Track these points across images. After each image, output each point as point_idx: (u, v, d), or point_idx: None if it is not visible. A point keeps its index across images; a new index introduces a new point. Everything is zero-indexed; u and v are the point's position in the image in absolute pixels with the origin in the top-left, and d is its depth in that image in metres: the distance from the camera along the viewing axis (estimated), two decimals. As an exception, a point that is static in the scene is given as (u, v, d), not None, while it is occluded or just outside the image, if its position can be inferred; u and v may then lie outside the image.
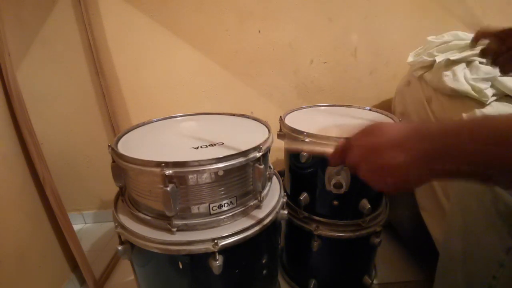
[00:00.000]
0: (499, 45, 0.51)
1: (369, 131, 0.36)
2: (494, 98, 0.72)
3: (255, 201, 0.59)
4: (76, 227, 1.23)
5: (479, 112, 0.71)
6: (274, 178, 0.71)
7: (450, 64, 0.76)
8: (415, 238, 0.99)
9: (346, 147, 0.38)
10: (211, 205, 0.54)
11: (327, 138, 0.66)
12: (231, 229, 0.53)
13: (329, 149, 0.42)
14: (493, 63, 0.53)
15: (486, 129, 0.28)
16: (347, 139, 0.39)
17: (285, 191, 0.67)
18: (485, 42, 0.53)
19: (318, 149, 0.46)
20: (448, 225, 0.57)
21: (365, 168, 0.35)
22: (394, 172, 0.33)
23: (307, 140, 0.66)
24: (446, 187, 0.75)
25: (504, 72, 0.54)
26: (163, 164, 0.48)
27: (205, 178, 0.52)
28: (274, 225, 0.62)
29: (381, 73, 1.13)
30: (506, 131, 0.27)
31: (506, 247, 0.44)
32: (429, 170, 0.31)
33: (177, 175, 0.50)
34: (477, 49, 0.75)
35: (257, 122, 0.73)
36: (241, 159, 0.52)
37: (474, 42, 0.55)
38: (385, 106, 1.13)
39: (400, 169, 0.32)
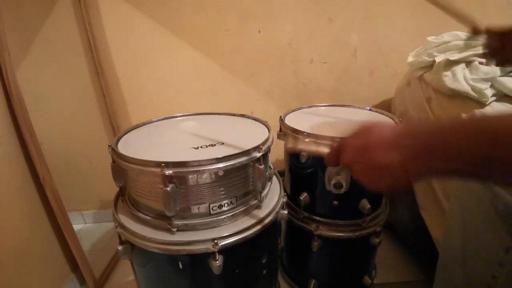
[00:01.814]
0: (496, 42, 0.53)
1: (361, 131, 0.37)
2: (494, 98, 0.72)
3: (255, 201, 0.59)
4: (76, 227, 1.23)
5: (479, 112, 0.71)
6: (274, 178, 0.71)
7: (449, 64, 0.76)
8: (415, 238, 0.99)
9: (340, 147, 0.38)
10: (211, 205, 0.54)
11: (327, 138, 0.66)
12: (231, 229, 0.53)
13: (325, 150, 0.42)
14: (490, 55, 0.56)
15: (481, 129, 0.28)
16: (341, 139, 0.39)
17: (285, 191, 0.67)
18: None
19: (315, 149, 0.45)
20: (448, 225, 0.57)
21: (358, 168, 0.36)
22: (387, 172, 0.33)
23: (306, 140, 0.66)
24: (446, 187, 0.75)
25: (501, 64, 0.58)
26: (163, 164, 0.48)
27: (205, 178, 0.52)
28: (274, 225, 0.62)
29: (381, 73, 1.13)
30: (501, 131, 0.26)
31: (505, 247, 0.44)
32: (424, 168, 0.31)
33: (177, 175, 0.50)
34: (477, 49, 0.75)
35: (257, 122, 0.73)
36: (241, 159, 0.52)
37: (473, 34, 0.57)
38: (385, 106, 1.13)
39: (393, 168, 0.32)
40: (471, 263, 0.50)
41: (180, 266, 0.54)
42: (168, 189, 0.49)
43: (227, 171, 0.53)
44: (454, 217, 0.54)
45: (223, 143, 0.59)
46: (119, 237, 0.57)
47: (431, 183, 0.79)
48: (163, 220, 0.54)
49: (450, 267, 0.55)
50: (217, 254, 0.51)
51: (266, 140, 0.59)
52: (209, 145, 0.58)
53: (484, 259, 0.47)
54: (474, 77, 0.72)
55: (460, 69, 0.74)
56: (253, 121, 0.74)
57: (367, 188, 0.36)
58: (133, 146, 0.60)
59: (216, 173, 0.52)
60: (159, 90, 1.11)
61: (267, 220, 0.58)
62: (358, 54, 1.11)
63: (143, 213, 0.57)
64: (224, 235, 0.52)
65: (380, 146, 0.33)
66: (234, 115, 0.79)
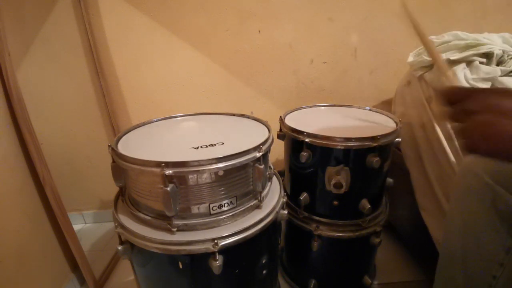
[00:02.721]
0: None
1: (496, 91, 0.35)
2: (494, 98, 0.72)
3: (255, 201, 0.59)
4: (76, 227, 1.23)
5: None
6: (274, 178, 0.71)
7: (450, 64, 0.76)
8: (415, 238, 0.99)
9: (470, 93, 0.34)
10: (211, 205, 0.54)
11: (327, 138, 0.66)
12: (231, 229, 0.53)
13: (449, 74, 0.40)
14: None
15: None
16: (472, 88, 0.37)
17: (285, 191, 0.67)
18: None
19: (440, 62, 0.43)
20: (448, 225, 0.57)
21: (483, 120, 0.32)
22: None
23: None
24: (446, 187, 0.75)
25: None
26: (163, 164, 0.48)
27: (205, 178, 0.52)
28: (274, 225, 0.62)
29: (381, 73, 1.13)
30: None
31: (506, 247, 0.44)
32: None
33: (177, 175, 0.50)
34: (478, 49, 0.75)
35: (257, 122, 0.73)
36: (241, 159, 0.52)
37: None
38: (385, 106, 1.13)
39: None
40: (471, 263, 0.50)
41: (180, 266, 0.54)
42: (168, 189, 0.49)
43: (227, 171, 0.53)
44: (454, 217, 0.54)
45: (223, 143, 0.59)
46: (119, 237, 0.57)
47: (431, 183, 0.79)
48: (163, 220, 0.54)
49: (450, 267, 0.55)
50: (217, 254, 0.50)
51: (266, 140, 0.59)
52: (209, 145, 0.58)
53: (485, 259, 0.47)
54: (474, 76, 0.72)
55: (460, 68, 0.74)
56: (253, 121, 0.74)
57: (473, 149, 0.33)
58: (133, 146, 0.60)
59: (216, 173, 0.52)
60: (159, 90, 1.11)
61: (267, 220, 0.58)
62: (358, 54, 1.10)
63: (143, 213, 0.57)
64: (224, 235, 0.52)
65: None
66: (234, 115, 0.79)
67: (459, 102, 0.34)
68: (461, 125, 0.34)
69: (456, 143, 0.37)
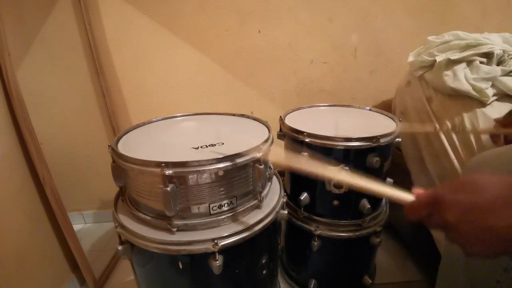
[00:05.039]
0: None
1: (464, 186, 0.32)
2: (495, 97, 0.72)
3: (255, 201, 0.59)
4: (76, 227, 1.23)
5: (479, 111, 0.71)
6: (274, 178, 0.71)
7: (450, 63, 0.76)
8: (415, 238, 0.99)
9: (434, 201, 0.33)
10: (211, 205, 0.54)
11: (327, 138, 0.66)
12: (231, 229, 0.53)
13: (408, 197, 0.36)
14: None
15: None
16: (434, 191, 0.33)
17: (285, 191, 0.67)
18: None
19: (394, 194, 0.39)
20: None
21: (465, 230, 0.30)
22: (504, 235, 0.29)
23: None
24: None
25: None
26: (163, 164, 0.48)
27: (205, 178, 0.52)
28: (274, 225, 0.62)
29: (381, 73, 1.13)
30: None
31: None
32: None
33: (177, 175, 0.50)
34: (478, 49, 0.75)
35: (257, 122, 0.73)
36: (241, 159, 0.52)
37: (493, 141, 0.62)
38: (385, 106, 1.13)
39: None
40: (474, 267, 0.49)
41: (180, 266, 0.54)
42: (168, 189, 0.49)
43: (227, 171, 0.53)
44: None
45: (223, 143, 0.59)
46: (119, 237, 0.57)
47: (433, 183, 0.79)
48: (163, 220, 0.54)
49: (452, 270, 0.55)
50: (217, 254, 0.50)
51: (266, 140, 0.59)
52: (209, 145, 0.58)
53: (488, 264, 0.47)
54: (475, 76, 0.72)
55: (461, 68, 0.74)
56: (253, 121, 0.74)
57: (467, 252, 0.32)
58: (133, 146, 0.60)
59: (216, 173, 0.52)
60: (159, 90, 1.11)
61: (267, 220, 0.58)
62: (358, 54, 1.10)
63: (143, 213, 0.57)
64: (224, 235, 0.52)
65: (495, 204, 0.29)
66: (234, 115, 0.79)
67: (434, 212, 0.33)
68: (450, 235, 0.32)
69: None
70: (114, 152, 0.55)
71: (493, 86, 0.72)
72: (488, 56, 0.75)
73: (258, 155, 0.54)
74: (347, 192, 0.70)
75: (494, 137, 0.63)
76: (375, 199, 0.76)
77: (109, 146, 0.57)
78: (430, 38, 0.86)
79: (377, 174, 0.73)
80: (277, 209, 0.61)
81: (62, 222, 0.82)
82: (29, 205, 0.78)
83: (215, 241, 0.50)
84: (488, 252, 0.31)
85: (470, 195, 0.31)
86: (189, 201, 0.53)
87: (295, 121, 0.79)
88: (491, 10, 1.08)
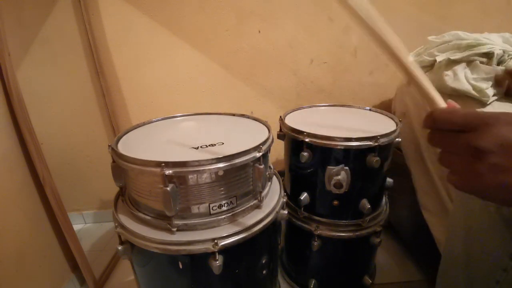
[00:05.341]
0: None
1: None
2: (495, 97, 0.72)
3: (255, 201, 0.59)
4: (76, 227, 1.23)
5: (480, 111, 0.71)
6: (274, 178, 0.71)
7: (450, 63, 0.76)
8: (415, 238, 0.99)
9: (476, 118, 0.28)
10: (211, 205, 0.54)
11: (327, 138, 0.66)
12: (231, 229, 0.53)
13: (442, 101, 0.33)
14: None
15: None
16: (480, 111, 0.28)
17: (285, 191, 0.67)
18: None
19: (429, 87, 0.34)
20: (451, 228, 0.57)
21: (493, 161, 0.26)
22: None
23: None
24: (449, 186, 0.74)
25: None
26: (163, 164, 0.48)
27: (205, 178, 0.52)
28: (274, 225, 0.62)
29: (381, 73, 1.13)
30: None
31: (509, 252, 0.43)
32: None
33: (177, 175, 0.50)
34: (478, 49, 0.75)
35: (257, 122, 0.73)
36: (241, 159, 0.52)
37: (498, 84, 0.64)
38: (385, 106, 1.13)
39: None
40: (474, 267, 0.49)
41: (180, 266, 0.54)
42: (168, 189, 0.49)
43: (227, 171, 0.53)
44: (457, 220, 0.53)
45: (223, 143, 0.59)
46: (119, 237, 0.57)
47: (434, 183, 0.79)
48: (163, 220, 0.54)
49: (452, 270, 0.55)
50: (217, 254, 0.50)
51: (266, 140, 0.59)
52: (209, 145, 0.58)
53: (488, 264, 0.47)
54: (475, 76, 0.72)
55: (461, 68, 0.74)
56: (253, 121, 0.74)
57: (480, 192, 0.28)
58: (133, 146, 0.60)
59: (216, 173, 0.52)
60: (159, 90, 1.11)
61: (267, 220, 0.58)
62: (358, 54, 1.10)
63: (143, 213, 0.57)
64: (224, 235, 0.52)
65: None
66: (234, 115, 0.79)
67: (463, 132, 0.28)
68: (465, 165, 0.28)
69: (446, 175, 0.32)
70: (114, 152, 0.55)
71: (493, 86, 0.72)
72: (488, 56, 0.75)
73: (258, 155, 0.54)
74: (347, 192, 0.70)
75: (499, 81, 0.65)
76: (375, 199, 0.76)
77: (109, 146, 0.57)
78: (430, 38, 0.86)
79: (377, 174, 0.73)
80: (277, 209, 0.61)
81: (62, 222, 0.82)
82: (29, 205, 0.78)
83: (215, 241, 0.50)
84: (495, 196, 0.28)
85: None
86: (189, 201, 0.53)
87: (295, 121, 0.79)
88: (491, 10, 1.08)
